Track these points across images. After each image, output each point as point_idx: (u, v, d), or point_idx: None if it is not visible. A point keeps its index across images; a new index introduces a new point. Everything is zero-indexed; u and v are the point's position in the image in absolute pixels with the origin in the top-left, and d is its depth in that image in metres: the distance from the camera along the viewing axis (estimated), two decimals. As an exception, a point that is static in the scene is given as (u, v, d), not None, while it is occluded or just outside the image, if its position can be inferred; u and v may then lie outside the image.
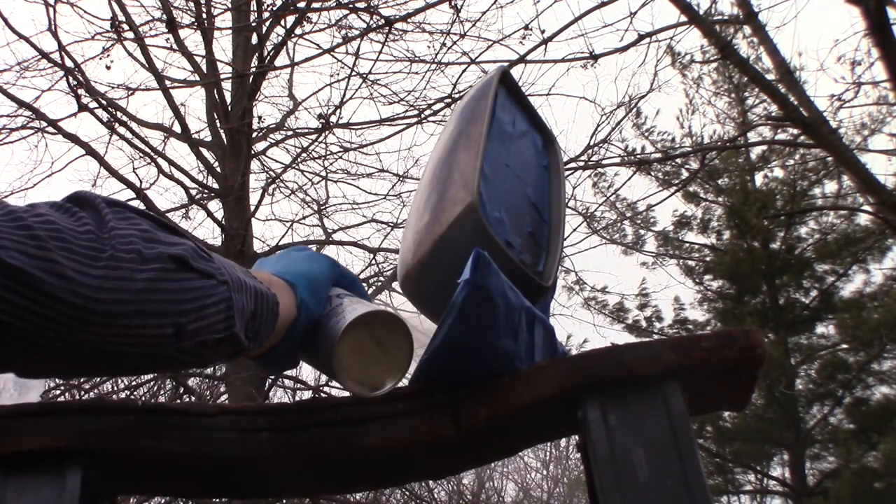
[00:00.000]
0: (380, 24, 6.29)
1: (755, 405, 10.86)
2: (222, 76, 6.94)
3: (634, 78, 17.86)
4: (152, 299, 0.56)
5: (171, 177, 6.80)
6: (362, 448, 0.76)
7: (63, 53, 6.09)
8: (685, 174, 9.51)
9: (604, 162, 7.47)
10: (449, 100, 6.32)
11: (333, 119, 6.81)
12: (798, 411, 11.33)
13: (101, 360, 0.57)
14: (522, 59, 5.84)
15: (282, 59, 7.21)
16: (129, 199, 4.84)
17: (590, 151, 6.85)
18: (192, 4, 7.23)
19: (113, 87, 6.82)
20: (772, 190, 11.84)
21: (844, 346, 11.29)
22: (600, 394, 0.73)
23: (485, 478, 15.56)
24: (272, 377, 6.80)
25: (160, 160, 6.83)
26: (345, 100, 6.60)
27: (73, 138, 6.36)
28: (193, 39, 7.49)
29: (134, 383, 7.54)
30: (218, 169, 6.82)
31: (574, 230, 7.23)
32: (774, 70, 5.93)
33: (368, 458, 0.78)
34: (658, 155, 10.08)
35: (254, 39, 7.06)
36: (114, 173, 6.24)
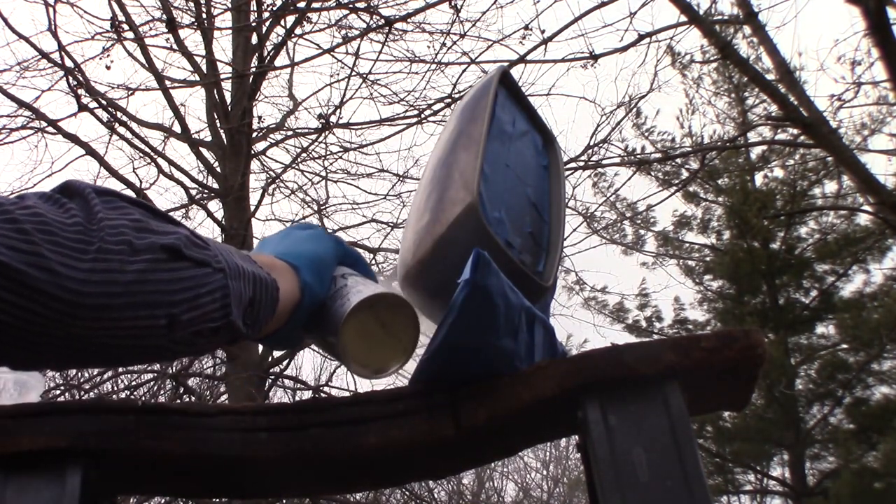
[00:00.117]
0: (380, 24, 6.29)
1: (755, 405, 10.86)
2: (222, 76, 6.95)
3: (634, 78, 17.85)
4: (143, 291, 0.55)
5: (171, 177, 6.80)
6: (362, 448, 0.76)
7: (63, 53, 6.10)
8: (685, 174, 9.51)
9: (604, 162, 7.47)
10: (449, 100, 6.32)
11: (333, 119, 6.81)
12: (798, 411, 11.34)
13: (92, 352, 0.56)
14: (522, 59, 5.84)
15: (282, 59, 7.22)
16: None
17: (590, 151, 6.85)
18: (192, 4, 7.24)
19: (113, 87, 6.83)
20: (772, 190, 11.85)
21: (844, 346, 11.30)
22: (600, 394, 0.73)
23: (485, 478, 15.56)
24: (272, 377, 6.81)
25: (160, 160, 6.84)
26: (345, 100, 6.60)
27: (73, 138, 6.36)
28: (193, 39, 7.50)
29: (134, 383, 7.54)
30: (218, 169, 6.82)
31: (574, 230, 7.23)
32: (774, 70, 5.93)
33: (368, 458, 0.78)
34: (658, 155, 10.08)
35: (254, 39, 7.06)
36: (114, 173, 6.24)
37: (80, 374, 7.58)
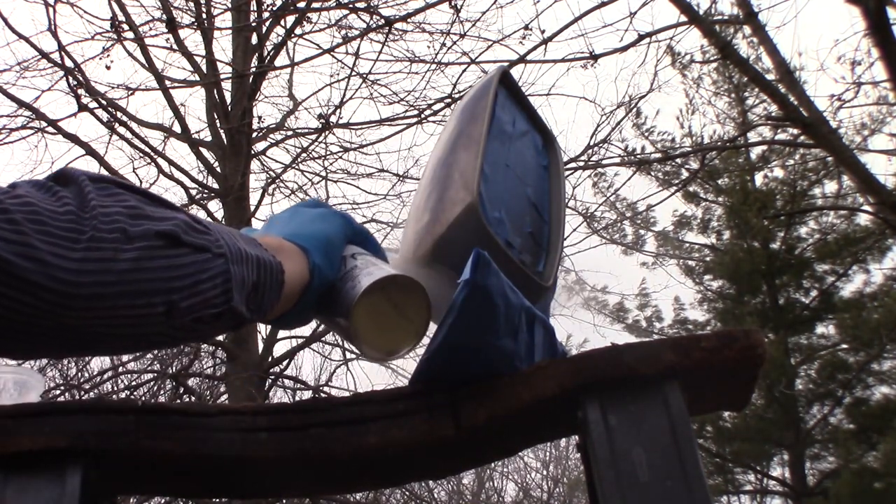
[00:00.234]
0: (380, 24, 6.29)
1: (755, 405, 10.86)
2: (222, 76, 6.95)
3: (634, 78, 17.81)
4: (139, 279, 0.54)
5: (171, 177, 6.81)
6: (362, 448, 0.76)
7: (63, 53, 6.10)
8: (685, 174, 9.52)
9: (604, 162, 7.48)
10: (449, 100, 6.32)
11: (333, 119, 6.82)
12: (798, 411, 11.34)
13: (87, 341, 0.55)
14: (522, 59, 5.84)
15: (282, 59, 7.22)
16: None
17: (590, 151, 6.86)
18: (192, 4, 7.24)
19: (113, 87, 6.84)
20: (772, 190, 11.85)
21: (844, 346, 11.30)
22: (600, 394, 0.73)
23: (485, 478, 15.56)
24: (272, 377, 6.81)
25: (160, 160, 6.85)
26: (345, 100, 6.61)
27: (73, 138, 6.37)
28: (193, 39, 7.50)
29: (134, 383, 7.55)
30: (218, 169, 6.83)
31: (574, 230, 7.23)
32: (774, 70, 5.93)
33: (368, 458, 0.78)
34: (658, 155, 10.09)
35: (254, 39, 7.06)
36: (114, 173, 6.24)
37: (80, 374, 7.59)
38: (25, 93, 6.67)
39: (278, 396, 7.93)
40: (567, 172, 3.96)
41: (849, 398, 11.25)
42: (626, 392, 0.73)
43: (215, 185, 6.82)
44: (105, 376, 7.55)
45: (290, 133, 7.46)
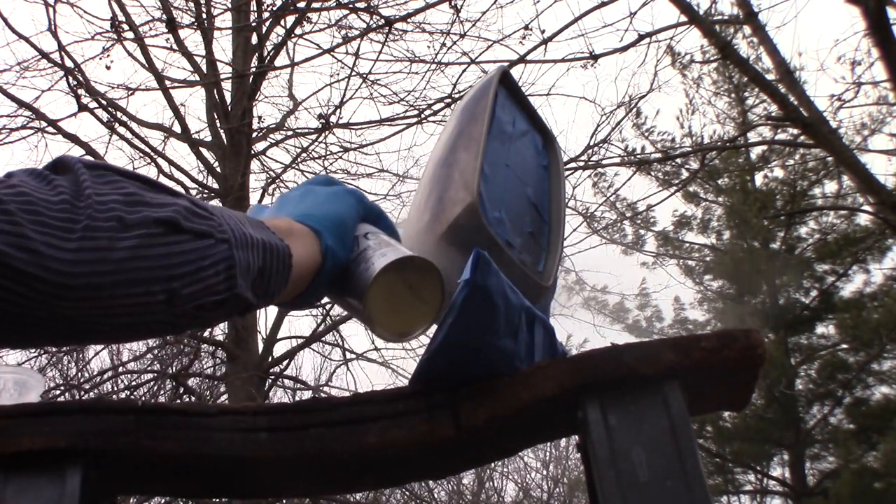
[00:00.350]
0: (380, 24, 6.29)
1: (755, 405, 10.87)
2: (222, 76, 6.95)
3: (634, 78, 17.81)
4: (138, 267, 0.53)
5: (171, 177, 6.81)
6: (362, 448, 0.76)
7: (63, 53, 6.10)
8: (685, 174, 9.52)
9: (604, 162, 7.47)
10: (449, 100, 6.32)
11: (333, 119, 6.81)
12: (798, 411, 11.34)
13: (84, 330, 0.55)
14: (522, 59, 5.84)
15: (282, 59, 7.22)
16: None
17: (590, 151, 6.85)
18: (192, 4, 7.25)
19: (113, 87, 6.84)
20: (772, 190, 11.86)
21: (844, 346, 11.30)
22: (600, 394, 0.73)
23: (485, 478, 15.56)
24: (272, 377, 6.81)
25: (160, 160, 6.85)
26: (345, 100, 6.61)
27: (73, 138, 6.37)
28: (193, 39, 7.51)
29: (134, 383, 7.55)
30: (218, 169, 6.83)
31: (574, 230, 7.22)
32: (774, 70, 5.93)
33: (368, 458, 0.78)
34: (658, 155, 10.09)
35: (254, 39, 7.06)
36: (114, 173, 6.23)
37: (79, 374, 7.59)
38: (25, 93, 6.69)
39: (278, 396, 7.94)
40: (567, 172, 3.96)
41: (849, 398, 11.26)
42: (626, 392, 0.73)
43: (215, 185, 6.83)
44: (105, 376, 7.56)
45: (290, 133, 7.47)
